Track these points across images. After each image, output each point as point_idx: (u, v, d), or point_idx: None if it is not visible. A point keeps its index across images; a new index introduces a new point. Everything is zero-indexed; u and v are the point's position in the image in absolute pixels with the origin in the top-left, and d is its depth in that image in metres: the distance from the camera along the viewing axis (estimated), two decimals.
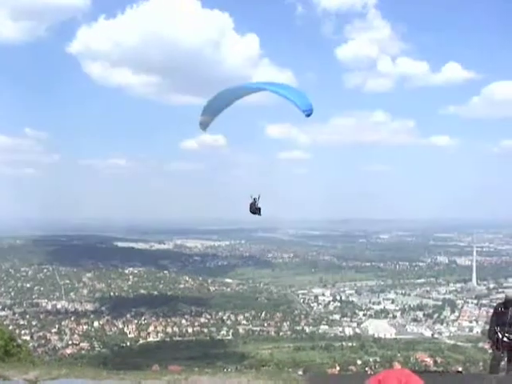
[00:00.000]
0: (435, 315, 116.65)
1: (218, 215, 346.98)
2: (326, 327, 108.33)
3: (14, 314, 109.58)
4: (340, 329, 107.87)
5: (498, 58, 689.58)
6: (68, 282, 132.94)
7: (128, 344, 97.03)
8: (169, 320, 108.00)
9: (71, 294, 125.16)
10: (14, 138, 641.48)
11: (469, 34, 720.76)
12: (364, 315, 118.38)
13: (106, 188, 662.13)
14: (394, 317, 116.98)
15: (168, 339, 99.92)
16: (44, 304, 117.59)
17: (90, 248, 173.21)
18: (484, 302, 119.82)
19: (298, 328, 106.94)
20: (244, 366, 70.69)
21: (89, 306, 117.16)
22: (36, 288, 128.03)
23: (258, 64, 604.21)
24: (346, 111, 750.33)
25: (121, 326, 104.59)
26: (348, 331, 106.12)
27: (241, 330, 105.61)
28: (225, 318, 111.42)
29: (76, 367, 16.34)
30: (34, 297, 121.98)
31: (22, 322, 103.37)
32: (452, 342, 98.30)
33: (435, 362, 79.27)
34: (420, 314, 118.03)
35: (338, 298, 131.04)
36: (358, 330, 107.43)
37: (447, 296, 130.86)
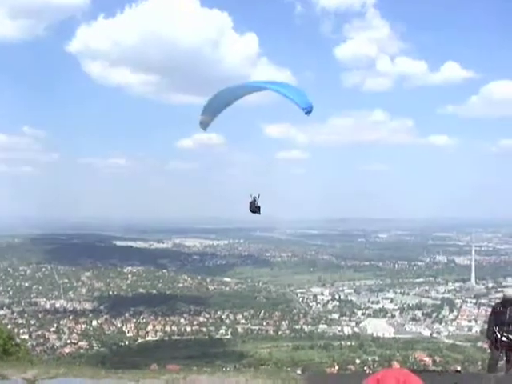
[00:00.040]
0: (434, 314, 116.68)
1: (216, 214, 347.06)
2: (325, 326, 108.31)
3: (12, 312, 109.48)
4: (339, 328, 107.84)
5: (497, 58, 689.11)
6: (66, 280, 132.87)
7: (126, 343, 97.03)
8: (167, 319, 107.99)
9: (70, 292, 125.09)
10: (12, 136, 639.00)
11: (468, 33, 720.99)
12: (363, 314, 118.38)
13: (104, 187, 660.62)
14: (393, 316, 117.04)
15: (167, 338, 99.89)
16: (42, 303, 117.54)
17: (88, 247, 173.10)
18: (483, 301, 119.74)
19: (296, 327, 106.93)
20: (243, 365, 70.74)
21: (87, 305, 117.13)
22: (34, 287, 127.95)
23: (256, 63, 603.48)
24: (345, 110, 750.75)
25: (119, 325, 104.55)
26: (347, 330, 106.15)
27: (239, 329, 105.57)
28: (223, 316, 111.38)
29: (74, 366, 16.34)
30: (32, 296, 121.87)
31: (20, 321, 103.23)
32: (451, 341, 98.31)
33: (434, 362, 79.33)
34: (419, 313, 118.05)
35: (337, 297, 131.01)
36: (356, 329, 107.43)
37: (446, 295, 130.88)
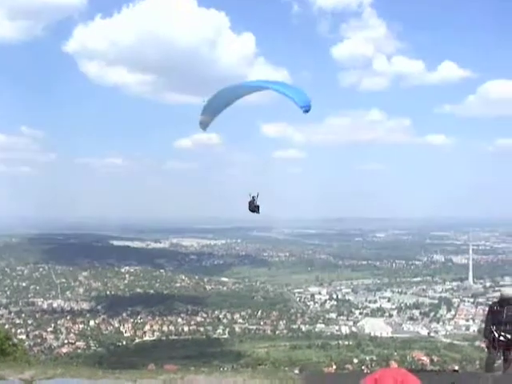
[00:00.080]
0: (431, 314, 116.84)
1: (213, 214, 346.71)
2: (323, 326, 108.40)
3: (9, 312, 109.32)
4: (336, 327, 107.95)
5: (494, 57, 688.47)
6: (64, 280, 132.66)
7: (124, 343, 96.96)
8: (165, 319, 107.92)
9: (67, 292, 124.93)
10: (10, 136, 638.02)
11: (464, 32, 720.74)
12: (360, 314, 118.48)
13: (102, 187, 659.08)
14: (391, 315, 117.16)
15: (164, 338, 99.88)
16: (40, 303, 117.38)
17: (85, 247, 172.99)
18: (480, 300, 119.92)
19: (294, 327, 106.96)
20: (240, 365, 70.71)
21: (85, 305, 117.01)
22: (32, 287, 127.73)
23: (253, 63, 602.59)
24: (342, 110, 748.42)
25: (117, 325, 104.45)
26: (344, 330, 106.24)
27: (237, 329, 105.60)
28: (221, 316, 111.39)
29: (72, 366, 16.33)
30: (29, 296, 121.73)
31: (17, 321, 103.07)
32: (448, 340, 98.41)
33: (431, 361, 79.31)
34: (416, 312, 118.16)
35: (335, 296, 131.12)
36: (354, 329, 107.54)
37: (443, 294, 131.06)
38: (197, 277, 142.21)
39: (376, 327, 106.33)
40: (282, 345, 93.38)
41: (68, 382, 12.38)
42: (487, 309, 14.69)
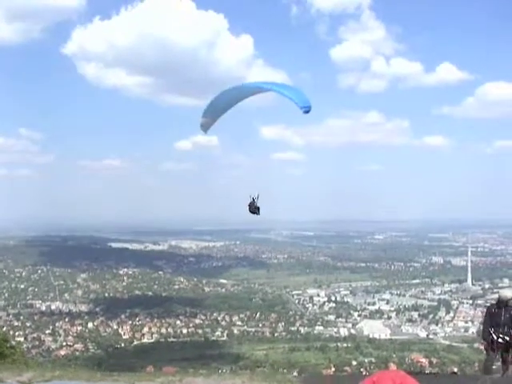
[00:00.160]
0: (430, 316, 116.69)
1: (212, 216, 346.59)
2: (321, 328, 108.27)
3: (7, 315, 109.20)
4: (335, 329, 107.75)
5: (492, 59, 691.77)
6: (62, 282, 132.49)
7: (122, 345, 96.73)
8: (163, 321, 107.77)
9: (65, 294, 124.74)
10: (8, 138, 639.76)
11: (463, 34, 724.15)
12: (359, 316, 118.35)
13: (100, 189, 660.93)
14: (389, 317, 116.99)
15: (162, 340, 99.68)
16: (38, 305, 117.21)
17: (84, 249, 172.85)
18: (479, 302, 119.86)
19: (292, 329, 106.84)
20: (239, 367, 70.72)
21: (83, 307, 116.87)
22: (30, 289, 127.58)
23: (252, 65, 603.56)
24: (340, 112, 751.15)
25: (115, 327, 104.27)
26: (343, 332, 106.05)
27: (235, 331, 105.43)
28: (219, 318, 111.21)
29: (70, 369, 16.30)
30: (28, 298, 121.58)
31: (16, 324, 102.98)
32: (447, 342, 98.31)
33: (430, 363, 79.31)
34: (415, 314, 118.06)
35: (333, 298, 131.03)
36: (353, 331, 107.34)
37: (442, 296, 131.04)
38: (195, 279, 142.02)
39: (375, 329, 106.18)
40: (280, 347, 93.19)
41: None
42: (485, 310, 14.68)
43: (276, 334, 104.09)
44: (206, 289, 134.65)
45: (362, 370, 72.54)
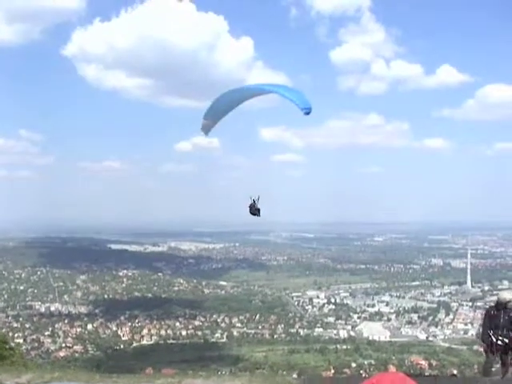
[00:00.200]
0: (430, 318, 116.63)
1: (212, 218, 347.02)
2: (321, 330, 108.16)
3: (7, 316, 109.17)
4: (334, 331, 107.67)
5: (493, 61, 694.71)
6: (62, 284, 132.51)
7: (122, 347, 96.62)
8: (163, 323, 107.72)
9: (65, 296, 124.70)
10: (8, 139, 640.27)
11: (463, 36, 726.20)
12: (358, 318, 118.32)
13: (100, 190, 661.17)
14: (389, 319, 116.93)
15: (162, 342, 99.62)
16: (37, 306, 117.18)
17: (83, 250, 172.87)
18: (479, 304, 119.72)
19: (292, 331, 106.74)
20: (238, 369, 70.70)
21: (82, 309, 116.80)
22: (29, 290, 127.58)
23: (252, 67, 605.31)
24: (340, 114, 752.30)
25: (114, 329, 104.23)
26: (342, 334, 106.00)
27: (235, 333, 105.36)
28: (219, 320, 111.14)
29: (69, 370, 16.27)
30: (27, 299, 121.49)
31: (15, 325, 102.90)
32: (447, 344, 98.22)
33: (430, 365, 79.19)
34: (415, 316, 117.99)
35: (333, 300, 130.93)
36: (352, 333, 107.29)
37: (442, 298, 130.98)
38: (195, 280, 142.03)
39: (374, 331, 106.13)
40: (280, 349, 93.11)
41: None
42: (484, 313, 14.66)
43: (275, 336, 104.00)
44: (206, 290, 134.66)
45: (361, 372, 72.51)
